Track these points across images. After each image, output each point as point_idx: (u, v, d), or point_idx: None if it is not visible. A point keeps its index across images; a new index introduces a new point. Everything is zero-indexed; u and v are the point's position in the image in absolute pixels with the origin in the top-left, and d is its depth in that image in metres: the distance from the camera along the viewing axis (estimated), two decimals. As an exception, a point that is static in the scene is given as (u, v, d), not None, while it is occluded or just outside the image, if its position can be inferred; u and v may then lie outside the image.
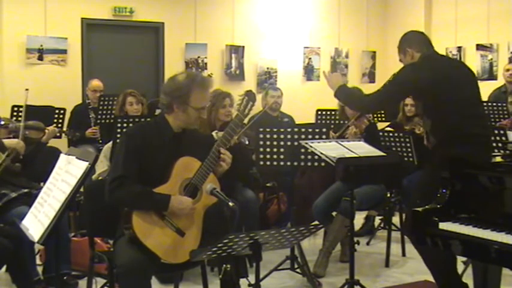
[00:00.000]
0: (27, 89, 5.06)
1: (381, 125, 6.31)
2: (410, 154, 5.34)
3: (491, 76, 8.84)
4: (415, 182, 5.32)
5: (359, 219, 5.64)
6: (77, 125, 6.70)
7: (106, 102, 6.48)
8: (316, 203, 5.01)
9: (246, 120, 4.44)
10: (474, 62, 8.87)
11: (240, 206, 4.40)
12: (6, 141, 4.38)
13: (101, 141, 6.58)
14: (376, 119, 7.51)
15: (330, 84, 4.04)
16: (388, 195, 5.32)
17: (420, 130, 5.53)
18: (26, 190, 4.31)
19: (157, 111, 5.96)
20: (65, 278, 4.26)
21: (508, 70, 7.35)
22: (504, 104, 6.37)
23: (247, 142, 4.73)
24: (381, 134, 5.41)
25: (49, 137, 4.95)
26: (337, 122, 6.56)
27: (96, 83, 7.18)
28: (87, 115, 6.89)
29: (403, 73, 3.77)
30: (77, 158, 2.93)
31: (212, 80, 3.50)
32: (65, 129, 6.54)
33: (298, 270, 4.60)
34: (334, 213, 4.93)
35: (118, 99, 5.95)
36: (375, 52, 10.12)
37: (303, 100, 9.08)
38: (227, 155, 3.30)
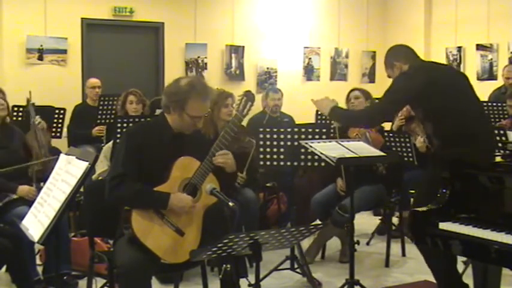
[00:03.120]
0: None
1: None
2: (410, 154, 5.34)
3: (491, 76, 8.84)
4: (416, 180, 5.31)
5: (358, 218, 5.63)
6: (78, 125, 6.70)
7: (106, 102, 6.48)
8: (315, 196, 5.03)
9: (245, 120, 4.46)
10: (474, 62, 8.88)
11: (240, 206, 4.41)
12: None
13: (104, 142, 6.55)
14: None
15: (321, 110, 4.06)
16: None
17: (416, 140, 5.50)
18: None
19: (158, 111, 5.96)
20: (65, 278, 4.26)
21: (508, 78, 7.35)
22: (504, 104, 6.36)
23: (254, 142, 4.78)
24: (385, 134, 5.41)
25: None
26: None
27: (92, 80, 7.18)
28: (90, 114, 6.86)
29: (398, 82, 3.78)
30: (77, 158, 2.92)
31: (214, 91, 3.46)
32: (65, 129, 6.55)
33: (298, 270, 4.60)
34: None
35: (120, 97, 5.97)
36: (375, 52, 10.11)
37: (303, 100, 9.02)
38: (226, 157, 3.27)
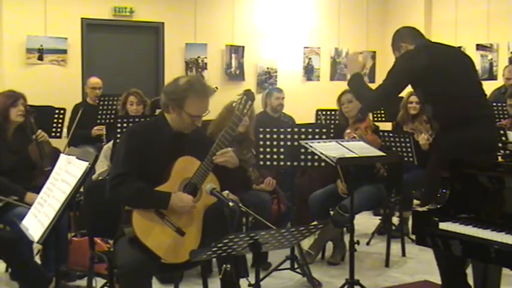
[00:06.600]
0: None
1: (381, 125, 6.29)
2: (410, 154, 5.34)
3: (491, 76, 8.84)
4: (416, 180, 5.31)
5: (358, 218, 5.64)
6: (78, 124, 6.69)
7: (106, 102, 6.48)
8: (314, 194, 5.03)
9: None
10: (474, 62, 8.85)
11: (253, 207, 4.60)
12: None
13: (104, 142, 6.55)
14: (375, 118, 7.53)
15: (348, 69, 4.04)
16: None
17: (419, 137, 5.51)
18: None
19: (158, 111, 5.96)
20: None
21: (508, 79, 7.35)
22: (504, 104, 6.36)
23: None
24: (380, 133, 5.41)
25: None
26: (337, 122, 6.56)
27: (94, 79, 7.17)
28: (90, 114, 6.85)
29: (399, 62, 3.76)
30: (77, 158, 2.93)
31: (214, 90, 3.43)
32: (65, 129, 6.54)
33: (298, 270, 4.60)
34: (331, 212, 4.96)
35: (122, 97, 5.97)
36: (375, 52, 10.12)
37: (303, 100, 9.07)
38: (226, 155, 3.27)
